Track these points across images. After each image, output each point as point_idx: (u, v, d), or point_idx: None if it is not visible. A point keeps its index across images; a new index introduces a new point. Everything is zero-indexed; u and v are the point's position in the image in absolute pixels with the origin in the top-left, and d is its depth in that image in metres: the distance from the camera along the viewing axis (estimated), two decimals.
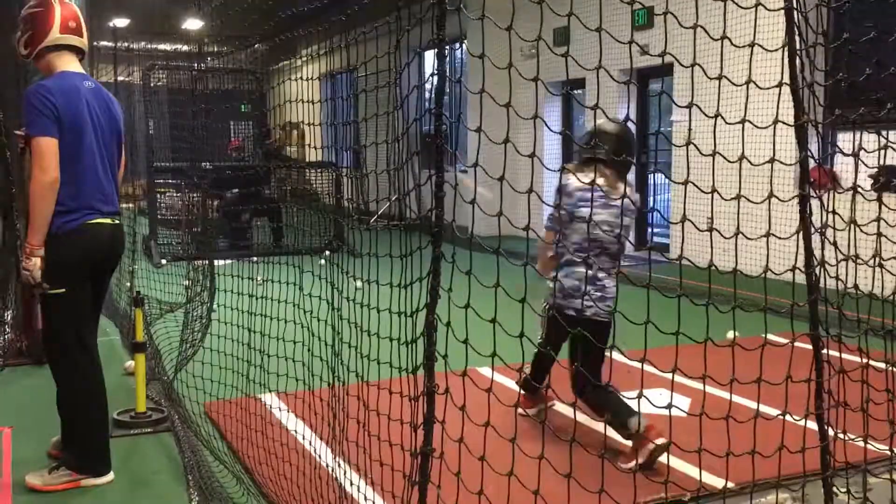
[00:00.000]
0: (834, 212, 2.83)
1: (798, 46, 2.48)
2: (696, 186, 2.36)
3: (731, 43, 2.43)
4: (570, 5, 2.31)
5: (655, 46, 9.61)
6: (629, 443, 4.09)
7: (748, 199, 2.53)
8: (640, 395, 2.29)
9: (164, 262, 10.48)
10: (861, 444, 2.95)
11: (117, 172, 4.13)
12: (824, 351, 2.72)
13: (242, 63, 13.31)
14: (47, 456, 4.18)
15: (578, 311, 4.18)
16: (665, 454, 3.80)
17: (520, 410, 4.56)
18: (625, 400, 4.10)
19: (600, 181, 4.16)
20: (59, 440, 4.13)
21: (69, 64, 3.96)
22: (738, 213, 2.45)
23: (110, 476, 3.97)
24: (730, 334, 5.68)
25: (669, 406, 2.40)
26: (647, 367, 2.30)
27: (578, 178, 4.11)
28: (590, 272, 4.24)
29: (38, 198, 3.68)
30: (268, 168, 12.71)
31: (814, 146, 2.78)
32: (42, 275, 3.75)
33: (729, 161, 2.51)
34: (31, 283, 3.80)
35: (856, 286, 2.89)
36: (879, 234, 2.89)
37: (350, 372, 3.18)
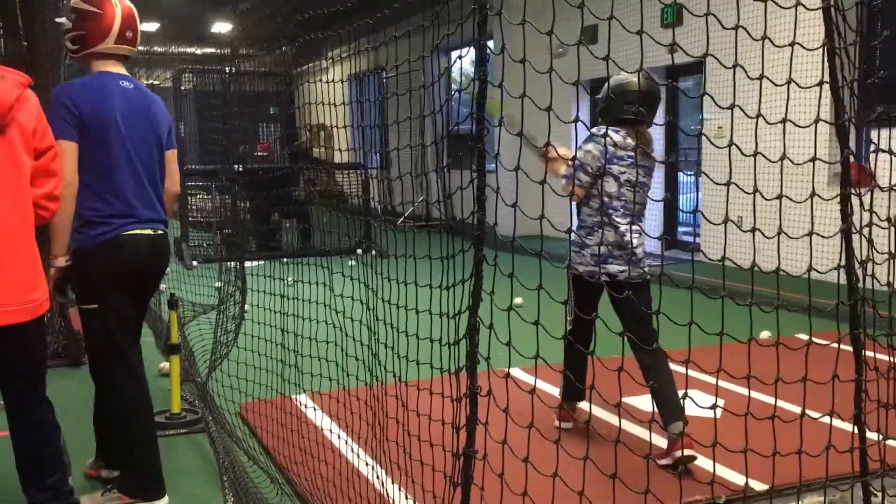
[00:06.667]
0: (871, 210, 2.80)
1: (836, 45, 2.46)
2: (738, 187, 2.35)
3: (772, 43, 2.42)
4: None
5: (685, 44, 9.49)
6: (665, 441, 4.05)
7: (791, 199, 2.53)
8: (685, 396, 2.29)
9: (195, 263, 10.58)
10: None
11: (161, 179, 3.77)
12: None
13: (270, 66, 13.36)
14: (85, 476, 3.94)
15: (612, 275, 4.10)
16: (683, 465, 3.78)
17: (555, 423, 4.52)
18: (678, 398, 3.93)
19: (630, 142, 4.14)
20: (93, 461, 3.95)
21: (109, 66, 3.66)
22: (780, 212, 2.45)
23: (165, 499, 3.66)
24: (764, 334, 5.68)
25: (714, 407, 2.40)
26: (678, 367, 2.30)
27: (612, 138, 4.11)
28: (620, 233, 4.15)
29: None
30: (296, 169, 12.74)
31: (853, 145, 2.76)
32: (73, 288, 3.53)
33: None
34: (54, 295, 3.47)
35: (889, 284, 2.85)
36: None
37: (388, 372, 3.19)
